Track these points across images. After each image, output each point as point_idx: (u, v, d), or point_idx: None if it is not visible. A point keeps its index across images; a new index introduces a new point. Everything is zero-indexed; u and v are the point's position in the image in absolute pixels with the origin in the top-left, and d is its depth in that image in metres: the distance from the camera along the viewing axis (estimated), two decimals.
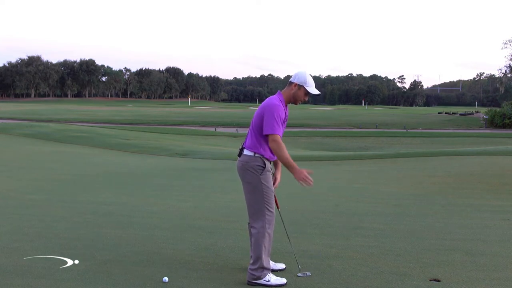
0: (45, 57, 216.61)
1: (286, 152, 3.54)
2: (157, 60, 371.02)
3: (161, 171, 12.48)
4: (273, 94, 3.73)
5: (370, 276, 3.76)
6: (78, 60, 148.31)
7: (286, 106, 3.71)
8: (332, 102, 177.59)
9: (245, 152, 3.67)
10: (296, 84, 3.65)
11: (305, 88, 3.64)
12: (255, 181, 3.61)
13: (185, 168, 13.39)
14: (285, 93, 3.68)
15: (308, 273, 3.78)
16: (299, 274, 3.75)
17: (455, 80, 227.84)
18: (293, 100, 3.68)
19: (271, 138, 3.52)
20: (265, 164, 3.64)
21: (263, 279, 3.57)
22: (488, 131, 46.37)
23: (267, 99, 3.71)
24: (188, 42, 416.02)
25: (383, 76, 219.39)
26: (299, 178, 3.48)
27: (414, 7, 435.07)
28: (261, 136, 3.61)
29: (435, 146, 29.22)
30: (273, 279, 3.59)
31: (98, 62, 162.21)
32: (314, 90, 3.67)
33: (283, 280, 3.59)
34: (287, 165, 3.53)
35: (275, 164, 3.88)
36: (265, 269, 3.59)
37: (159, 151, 19.98)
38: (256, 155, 3.63)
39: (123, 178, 10.75)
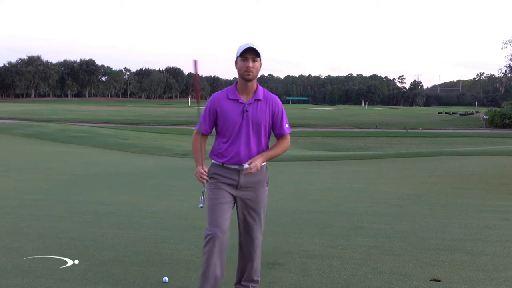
0: (45, 57, 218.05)
1: (195, 146, 3.17)
2: (157, 60, 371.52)
3: (161, 171, 12.48)
4: (274, 94, 3.33)
5: (370, 276, 3.76)
6: (78, 60, 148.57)
7: (243, 92, 3.07)
8: (332, 102, 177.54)
9: None
10: (235, 62, 3.05)
11: (238, 57, 2.99)
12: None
13: (185, 168, 13.38)
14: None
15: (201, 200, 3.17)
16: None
17: (455, 80, 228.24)
18: (241, 76, 3.01)
19: (193, 133, 3.22)
20: (210, 169, 3.17)
21: None
22: (488, 131, 46.33)
23: None
24: (188, 42, 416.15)
25: (383, 76, 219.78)
26: (196, 174, 3.09)
27: (414, 7, 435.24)
28: (216, 134, 3.20)
29: (435, 146, 29.22)
30: None
31: (98, 62, 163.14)
32: (241, 49, 2.96)
33: None
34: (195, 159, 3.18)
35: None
36: None
37: (159, 151, 19.98)
38: (212, 160, 3.22)
39: (123, 178, 10.75)
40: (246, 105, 3.03)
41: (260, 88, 3.10)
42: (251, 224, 3.16)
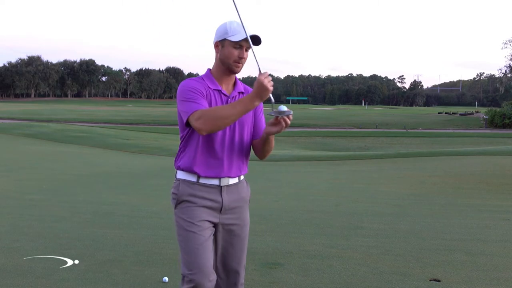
0: (45, 57, 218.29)
1: (228, 108, 2.16)
2: (157, 60, 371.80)
3: (161, 171, 12.48)
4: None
5: (370, 276, 3.76)
6: (78, 60, 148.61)
7: (222, 82, 2.38)
8: (332, 102, 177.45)
9: None
10: (217, 43, 2.33)
11: (229, 40, 2.28)
12: (174, 218, 2.42)
13: None
14: (213, 65, 2.40)
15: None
16: (271, 113, 2.22)
17: (455, 80, 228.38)
18: (226, 65, 2.32)
19: (193, 119, 2.18)
20: (179, 190, 2.37)
21: None
22: (488, 131, 46.32)
23: None
24: (188, 42, 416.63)
25: (383, 76, 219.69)
26: (264, 83, 2.09)
27: (414, 7, 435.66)
28: (183, 140, 2.38)
29: (435, 146, 29.22)
30: None
31: (98, 62, 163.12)
32: (240, 35, 2.25)
33: None
34: (242, 108, 2.14)
35: (262, 139, 2.39)
36: None
37: (159, 151, 19.97)
38: (177, 175, 2.42)
39: (123, 178, 10.75)
40: (230, 98, 2.37)
41: (238, 79, 2.47)
42: (234, 259, 2.42)
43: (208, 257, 2.29)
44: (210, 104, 2.29)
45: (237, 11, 2.17)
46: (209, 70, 2.41)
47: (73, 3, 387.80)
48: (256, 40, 2.24)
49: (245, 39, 2.24)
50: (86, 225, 5.55)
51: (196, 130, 2.19)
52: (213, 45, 2.36)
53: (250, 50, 2.29)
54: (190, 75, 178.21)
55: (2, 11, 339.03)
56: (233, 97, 2.37)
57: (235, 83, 2.43)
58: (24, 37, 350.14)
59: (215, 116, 2.13)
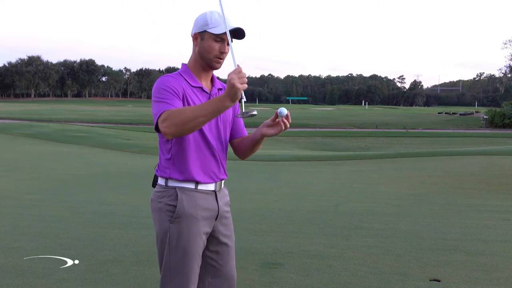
0: (45, 57, 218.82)
1: (196, 109, 1.88)
2: (157, 60, 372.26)
3: None
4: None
5: (370, 276, 3.76)
6: (78, 60, 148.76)
7: (201, 79, 2.17)
8: (332, 102, 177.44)
9: (158, 180, 2.16)
10: (196, 35, 2.11)
11: (209, 32, 2.06)
12: (161, 233, 2.09)
13: None
14: (190, 59, 2.18)
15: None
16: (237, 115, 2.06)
17: (455, 80, 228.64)
18: (205, 60, 2.11)
19: (159, 121, 1.92)
20: (177, 202, 2.06)
21: None
22: (488, 131, 46.28)
23: None
24: (188, 42, 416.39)
25: (383, 76, 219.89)
26: (232, 81, 1.79)
27: (414, 7, 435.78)
28: (164, 143, 2.11)
29: (435, 146, 29.20)
30: None
31: (98, 62, 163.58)
32: (223, 27, 2.03)
33: None
34: (212, 109, 1.85)
35: (253, 140, 2.21)
36: None
37: None
38: (168, 183, 2.10)
39: (123, 178, 10.75)
40: (211, 96, 2.17)
41: (214, 75, 2.27)
42: (231, 267, 2.24)
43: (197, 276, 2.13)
44: (192, 103, 2.08)
45: (220, 1, 2.01)
46: (185, 65, 2.18)
47: (73, 3, 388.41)
48: (240, 34, 2.07)
49: (230, 32, 2.04)
50: (86, 225, 5.55)
51: (162, 134, 1.93)
52: (191, 37, 2.15)
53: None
54: None
55: (2, 11, 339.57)
56: (214, 94, 2.18)
57: (213, 78, 2.25)
58: (24, 37, 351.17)
59: (181, 118, 1.86)
